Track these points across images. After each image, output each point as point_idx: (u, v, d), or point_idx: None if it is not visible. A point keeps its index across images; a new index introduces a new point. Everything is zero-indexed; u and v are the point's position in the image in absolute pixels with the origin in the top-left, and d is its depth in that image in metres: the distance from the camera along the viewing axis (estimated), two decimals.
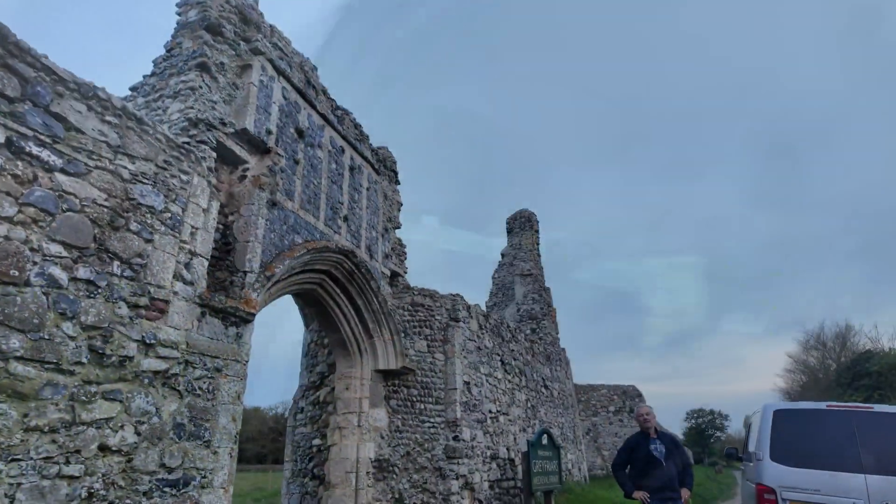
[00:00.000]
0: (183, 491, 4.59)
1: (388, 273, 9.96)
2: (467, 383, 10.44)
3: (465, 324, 10.96)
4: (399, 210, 11.14)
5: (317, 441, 9.03)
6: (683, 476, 6.42)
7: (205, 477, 4.83)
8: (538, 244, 23.16)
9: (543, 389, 15.98)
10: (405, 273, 10.96)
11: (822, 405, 7.63)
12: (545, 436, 11.55)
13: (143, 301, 4.60)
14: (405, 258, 11.12)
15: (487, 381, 11.55)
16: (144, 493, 4.23)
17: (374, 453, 8.76)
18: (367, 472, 8.57)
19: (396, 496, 8.77)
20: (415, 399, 9.61)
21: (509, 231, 23.37)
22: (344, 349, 9.02)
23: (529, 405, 14.23)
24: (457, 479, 9.26)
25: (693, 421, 74.59)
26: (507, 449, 11.85)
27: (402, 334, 9.67)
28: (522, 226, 23.05)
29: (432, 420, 9.60)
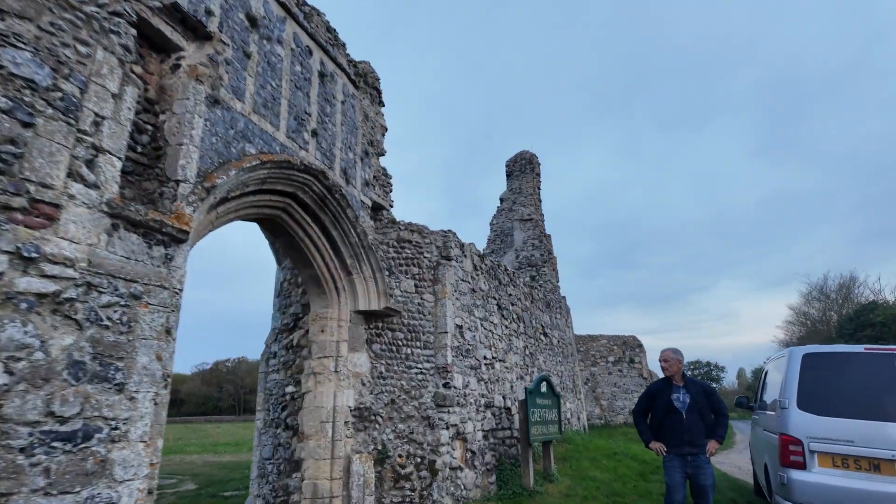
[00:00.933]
0: (83, 446, 3.58)
1: (370, 203, 8.78)
2: (459, 327, 9.47)
3: (458, 263, 9.88)
4: (383, 136, 9.84)
5: (290, 388, 8.11)
6: (715, 426, 5.51)
7: (116, 429, 3.82)
8: (539, 188, 21.88)
9: (542, 337, 15.13)
10: (391, 207, 9.78)
11: (859, 348, 6.71)
12: (544, 383, 10.71)
13: (19, 202, 3.44)
14: (390, 190, 9.91)
15: (482, 325, 10.59)
16: (21, 450, 3.21)
17: (353, 401, 7.85)
18: (346, 422, 7.68)
19: (379, 447, 7.93)
20: (401, 343, 8.64)
21: (509, 174, 22.03)
22: (318, 287, 7.96)
23: (528, 352, 13.38)
24: (447, 428, 8.41)
25: (690, 372, 75.89)
26: (504, 397, 11.03)
27: (387, 273, 8.59)
28: (523, 168, 21.69)
29: (420, 366, 8.67)
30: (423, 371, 8.66)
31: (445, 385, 8.66)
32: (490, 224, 22.09)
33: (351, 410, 7.83)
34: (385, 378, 8.33)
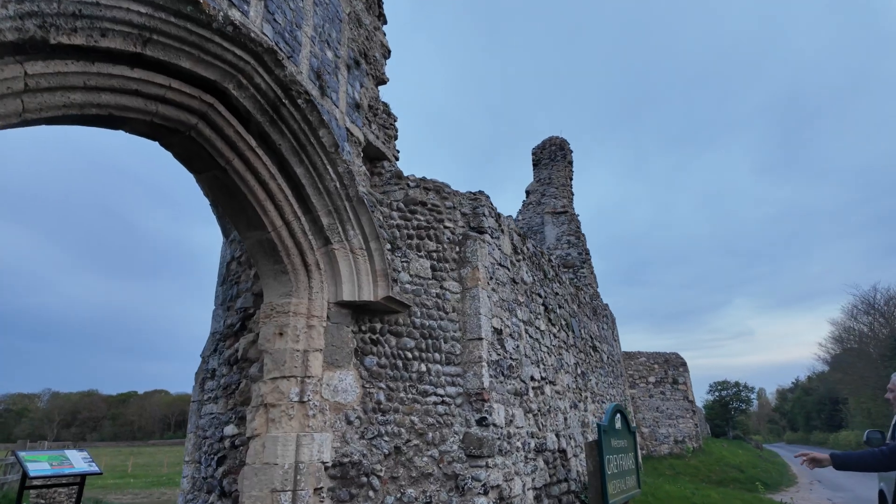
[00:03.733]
0: None
1: (361, 140, 5.72)
2: (498, 332, 6.30)
3: (494, 238, 6.76)
4: (384, 58, 6.85)
5: (230, 429, 4.99)
6: None
7: None
8: (571, 178, 18.78)
9: (592, 351, 11.85)
10: (396, 158, 6.74)
11: None
12: (619, 417, 7.44)
13: None
14: (395, 136, 6.88)
15: (527, 332, 7.41)
16: None
17: (331, 452, 4.70)
18: (318, 489, 4.52)
19: None
20: (410, 355, 5.50)
21: (536, 164, 18.97)
22: (273, 261, 4.88)
23: (579, 371, 10.12)
24: (485, 493, 5.19)
25: (717, 394, 71.82)
26: (557, 436, 7.78)
27: (388, 246, 5.52)
28: (552, 155, 18.63)
29: (441, 392, 5.50)
30: (446, 400, 5.49)
31: (481, 422, 5.47)
32: (516, 220, 18.98)
33: (327, 468, 4.67)
34: (385, 412, 5.17)
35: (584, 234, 17.74)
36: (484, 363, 5.67)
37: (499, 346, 6.21)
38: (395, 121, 6.95)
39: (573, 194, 18.82)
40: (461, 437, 5.39)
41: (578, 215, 17.93)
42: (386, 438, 5.03)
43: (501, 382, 6.07)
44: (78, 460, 11.34)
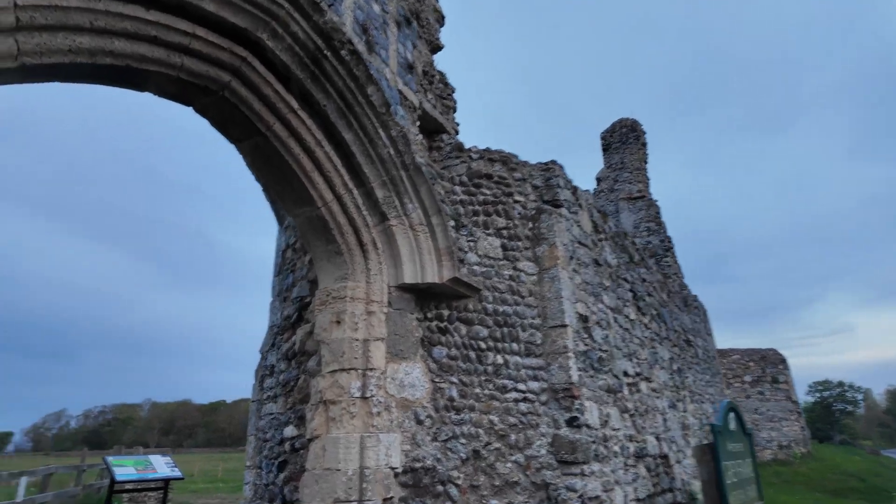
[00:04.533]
0: None
1: (416, 105, 5.12)
2: (584, 318, 5.46)
3: (572, 213, 5.93)
4: (438, 24, 6.25)
5: (290, 430, 4.50)
6: None
7: None
8: (646, 161, 17.37)
9: (686, 346, 10.58)
10: (455, 132, 6.11)
11: None
12: (732, 415, 6.33)
13: None
14: (454, 108, 6.25)
15: (615, 321, 6.48)
16: None
17: (399, 456, 4.07)
18: (387, 499, 3.91)
19: None
20: (484, 346, 4.80)
21: (606, 148, 17.74)
22: (325, 241, 4.35)
23: (675, 367, 8.96)
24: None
25: (818, 395, 65.50)
26: (657, 439, 6.76)
27: (453, 223, 4.86)
28: (624, 138, 17.34)
29: (522, 387, 4.75)
30: (529, 396, 4.73)
31: (572, 422, 4.66)
32: None
33: (397, 475, 4.05)
34: (460, 410, 4.48)
35: (664, 221, 16.29)
36: (570, 354, 4.85)
37: (585, 335, 5.36)
38: (452, 91, 6.32)
39: (649, 179, 17.39)
40: (549, 440, 4.60)
41: (657, 201, 16.51)
42: (462, 441, 4.34)
43: (592, 377, 5.22)
44: (162, 465, 11.55)
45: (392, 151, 4.29)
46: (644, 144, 17.41)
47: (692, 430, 8.99)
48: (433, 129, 5.71)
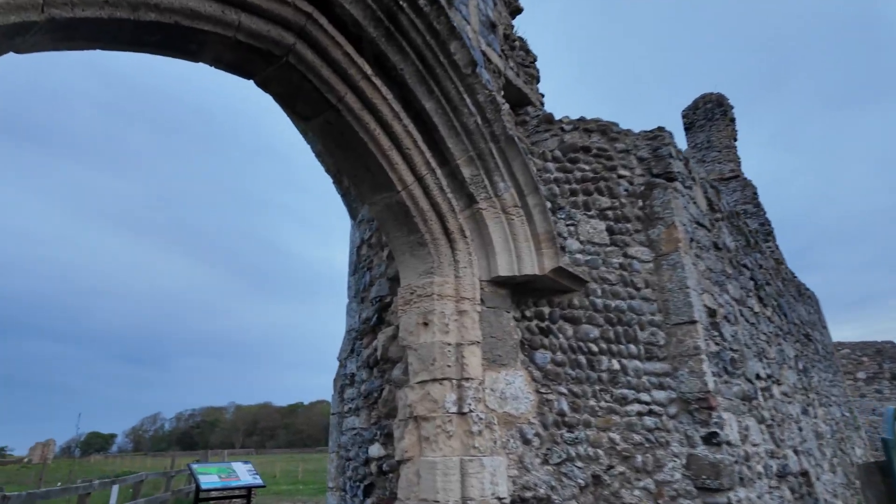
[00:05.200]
0: None
1: (501, 70, 4.43)
2: (711, 312, 4.55)
3: (686, 188, 5.02)
4: None
5: (376, 450, 3.94)
6: None
7: None
8: (735, 138, 15.72)
9: (806, 340, 9.19)
10: (541, 103, 5.37)
11: None
12: None
13: None
14: (537, 77, 5.51)
15: (741, 314, 5.49)
16: None
17: (506, 483, 3.39)
18: None
19: None
20: (595, 349, 4.03)
21: (688, 127, 16.24)
22: (406, 230, 3.75)
23: (800, 366, 7.70)
24: None
25: None
26: (795, 453, 5.68)
27: (549, 205, 4.13)
28: (709, 115, 15.79)
29: (645, 397, 3.94)
30: (655, 409, 3.91)
31: (710, 439, 3.79)
32: None
33: None
34: (573, 427, 3.74)
35: (762, 203, 14.63)
36: (703, 356, 3.98)
37: (715, 333, 4.46)
38: (534, 60, 5.58)
39: (740, 158, 15.74)
40: (684, 462, 3.76)
41: (751, 181, 14.87)
42: (579, 464, 3.60)
43: (726, 383, 4.31)
44: (244, 473, 11.59)
45: (479, 120, 3.63)
46: (732, 120, 15.77)
47: (825, 439, 7.70)
48: (515, 102, 5.01)
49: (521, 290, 3.99)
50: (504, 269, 3.81)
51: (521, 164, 3.81)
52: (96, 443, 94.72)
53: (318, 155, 4.38)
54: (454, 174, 3.76)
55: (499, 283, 3.88)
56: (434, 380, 3.47)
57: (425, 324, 3.66)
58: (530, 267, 3.81)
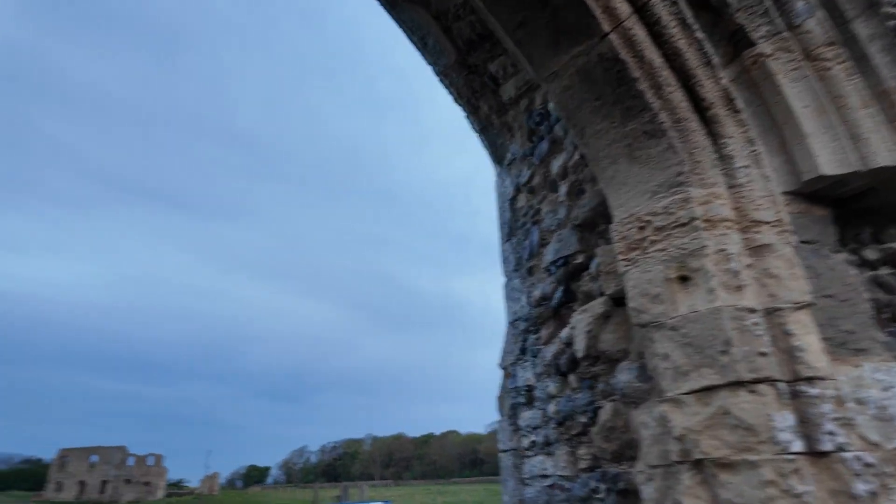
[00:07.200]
0: None
1: None
2: None
3: None
4: None
5: None
6: None
7: None
8: None
9: None
10: None
11: None
12: None
13: None
14: None
15: None
16: None
17: None
18: None
19: None
20: None
21: None
22: (617, 113, 2.04)
23: None
24: None
25: None
26: None
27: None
28: None
29: None
30: None
31: None
32: None
33: None
34: None
35: None
36: None
37: None
38: None
39: None
40: None
41: None
42: None
43: None
44: None
45: None
46: None
47: None
48: None
49: (850, 212, 2.08)
50: (827, 164, 1.94)
51: None
52: (254, 475, 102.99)
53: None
54: (704, 1, 2.02)
55: (812, 196, 2.01)
56: (731, 384, 1.68)
57: (684, 278, 1.90)
58: (884, 156, 1.90)
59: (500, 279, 3.36)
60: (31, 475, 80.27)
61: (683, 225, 1.94)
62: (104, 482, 63.14)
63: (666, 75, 2.00)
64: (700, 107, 2.03)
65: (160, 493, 67.04)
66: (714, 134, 2.02)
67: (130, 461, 65.60)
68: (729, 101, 2.03)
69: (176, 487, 77.33)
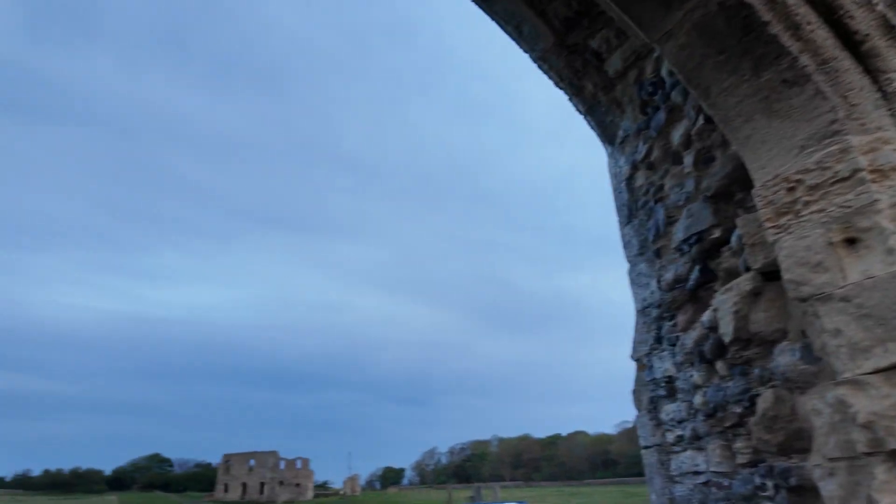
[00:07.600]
0: None
1: None
2: None
3: None
4: None
5: None
6: None
7: None
8: None
9: None
10: None
11: None
12: None
13: None
14: None
15: None
16: None
17: None
18: None
19: None
20: None
21: None
22: (748, 64, 1.82)
23: None
24: None
25: None
26: None
27: None
28: None
29: None
30: None
31: None
32: None
33: None
34: None
35: None
36: None
37: None
38: None
39: None
40: None
41: None
42: None
43: None
44: None
45: None
46: None
47: None
48: None
49: None
50: None
51: None
52: (390, 476, 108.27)
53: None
54: None
55: None
56: None
57: (851, 240, 1.64)
58: None
59: (616, 270, 3.18)
60: (202, 477, 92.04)
61: (844, 179, 1.68)
62: (262, 484, 70.37)
63: (804, 12, 1.75)
64: (851, 42, 1.75)
65: (310, 494, 73.10)
66: (873, 70, 1.73)
67: (281, 465, 72.37)
68: (889, 28, 1.72)
69: (322, 488, 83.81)
